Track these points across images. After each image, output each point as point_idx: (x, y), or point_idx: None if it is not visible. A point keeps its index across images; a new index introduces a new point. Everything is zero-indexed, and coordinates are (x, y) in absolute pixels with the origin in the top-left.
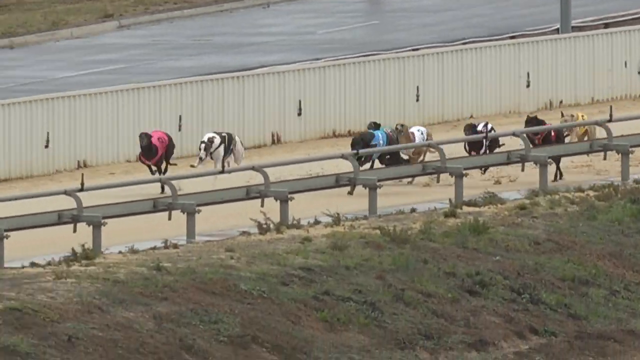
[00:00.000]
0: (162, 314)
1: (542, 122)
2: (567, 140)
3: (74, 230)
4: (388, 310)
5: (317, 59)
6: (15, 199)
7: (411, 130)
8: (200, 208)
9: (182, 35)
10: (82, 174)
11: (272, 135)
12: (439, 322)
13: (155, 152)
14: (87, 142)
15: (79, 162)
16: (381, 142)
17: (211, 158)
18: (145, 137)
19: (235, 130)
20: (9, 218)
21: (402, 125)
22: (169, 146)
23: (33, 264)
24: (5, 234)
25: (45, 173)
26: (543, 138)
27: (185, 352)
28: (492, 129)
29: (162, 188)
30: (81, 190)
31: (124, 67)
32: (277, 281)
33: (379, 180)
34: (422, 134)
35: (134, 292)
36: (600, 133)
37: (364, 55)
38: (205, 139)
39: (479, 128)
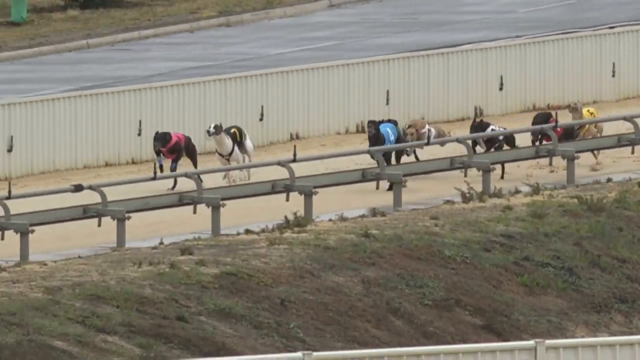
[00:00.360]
0: (370, 279)
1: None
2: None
3: (287, 199)
4: (585, 275)
5: (518, 37)
6: (234, 169)
7: (423, 130)
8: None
9: (389, 14)
10: (295, 146)
11: (475, 109)
12: (634, 286)
13: (168, 140)
14: (299, 115)
15: (291, 134)
16: (392, 138)
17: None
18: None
19: (440, 104)
20: (223, 188)
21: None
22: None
23: (248, 231)
24: (221, 202)
25: (260, 145)
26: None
27: (392, 314)
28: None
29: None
30: (293, 161)
31: (334, 44)
32: (479, 247)
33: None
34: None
35: (343, 257)
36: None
37: (562, 33)
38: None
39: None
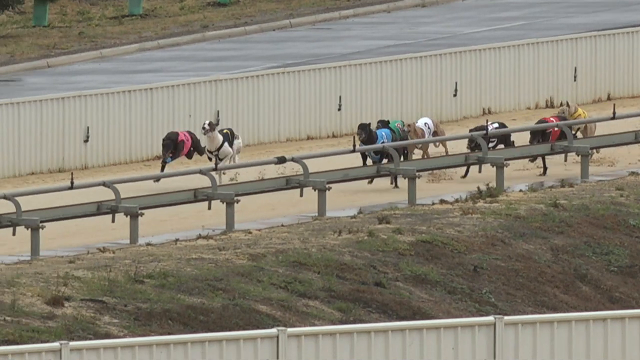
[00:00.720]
0: (558, 246)
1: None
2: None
3: (479, 170)
4: None
5: None
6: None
7: (417, 124)
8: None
9: None
10: (487, 120)
11: None
12: None
13: (181, 148)
14: (492, 90)
15: (483, 109)
16: (385, 140)
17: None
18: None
19: (625, 81)
20: (419, 160)
21: (408, 125)
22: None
23: (442, 201)
24: (418, 174)
25: (454, 119)
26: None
27: (579, 280)
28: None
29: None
30: (485, 135)
31: (524, 24)
32: None
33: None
34: (427, 126)
35: (533, 226)
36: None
37: None
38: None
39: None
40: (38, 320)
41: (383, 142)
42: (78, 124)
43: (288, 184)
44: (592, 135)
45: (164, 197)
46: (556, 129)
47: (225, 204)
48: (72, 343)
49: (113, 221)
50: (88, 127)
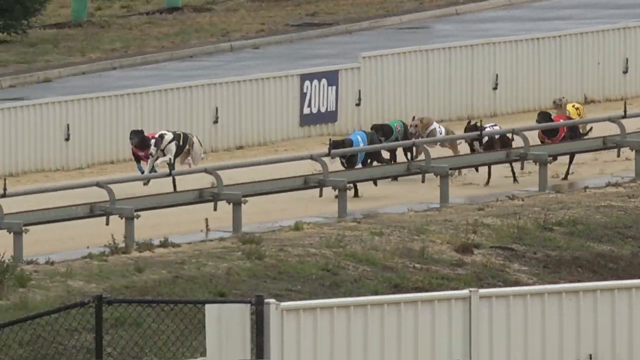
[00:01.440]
0: None
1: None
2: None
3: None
4: None
5: None
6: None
7: (433, 126)
8: None
9: None
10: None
11: None
12: None
13: (148, 145)
14: None
15: None
16: (361, 144)
17: (163, 154)
18: (136, 136)
19: None
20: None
21: (420, 120)
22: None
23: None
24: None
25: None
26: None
27: None
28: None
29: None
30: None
31: None
32: None
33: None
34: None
35: None
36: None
37: None
38: (157, 135)
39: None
40: (447, 267)
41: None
42: (486, 72)
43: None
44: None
45: None
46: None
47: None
48: (482, 290)
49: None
50: (497, 75)
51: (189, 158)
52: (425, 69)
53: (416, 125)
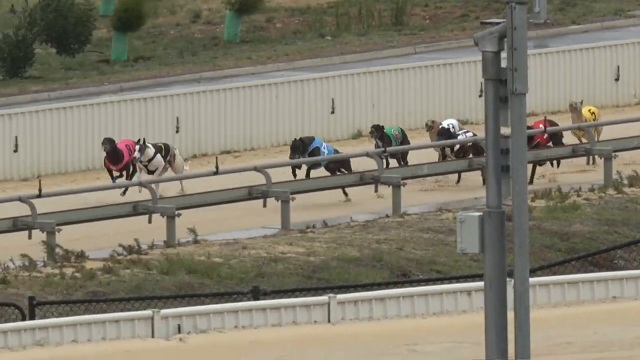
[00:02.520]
0: None
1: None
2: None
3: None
4: None
5: None
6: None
7: (442, 125)
8: None
9: None
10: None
11: None
12: None
13: (121, 159)
14: None
15: None
16: (325, 151)
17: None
18: (108, 143)
19: None
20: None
21: (432, 122)
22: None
23: None
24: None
25: None
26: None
27: None
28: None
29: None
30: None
31: None
32: None
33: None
34: (453, 127)
35: None
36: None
37: None
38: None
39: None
40: None
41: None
42: None
43: None
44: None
45: None
46: (545, 135)
47: None
48: None
49: None
50: None
51: (170, 168)
52: None
53: (433, 122)
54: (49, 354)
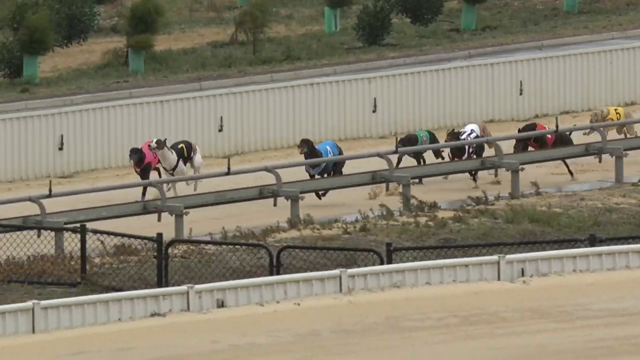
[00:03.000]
0: None
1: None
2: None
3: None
4: None
5: None
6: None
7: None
8: None
9: None
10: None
11: None
12: None
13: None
14: None
15: None
16: (330, 153)
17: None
18: (134, 153)
19: None
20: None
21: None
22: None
23: None
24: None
25: None
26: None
27: None
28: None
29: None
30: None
31: None
32: None
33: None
34: (473, 132)
35: None
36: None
37: None
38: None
39: (463, 136)
40: None
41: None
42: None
43: None
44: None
45: None
46: (549, 136)
47: None
48: None
49: None
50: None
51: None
52: None
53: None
54: (404, 295)
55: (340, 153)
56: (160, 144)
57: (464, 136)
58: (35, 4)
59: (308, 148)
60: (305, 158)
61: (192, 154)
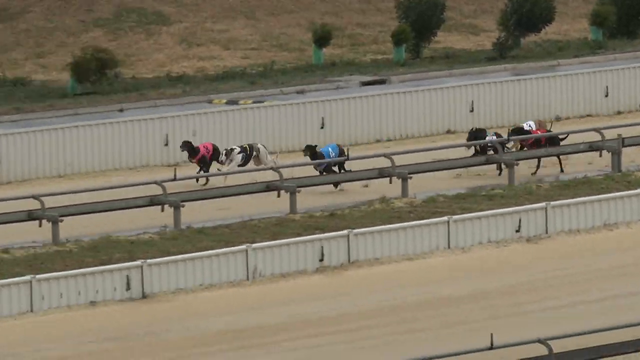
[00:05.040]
0: None
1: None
2: None
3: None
4: None
5: None
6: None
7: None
8: None
9: None
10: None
11: None
12: None
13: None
14: None
15: None
16: (332, 154)
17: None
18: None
19: None
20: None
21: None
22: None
23: None
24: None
25: None
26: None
27: None
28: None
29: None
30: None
31: None
32: None
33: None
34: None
35: None
36: None
37: None
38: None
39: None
40: None
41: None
42: None
43: None
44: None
45: None
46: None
47: None
48: None
49: None
50: None
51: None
52: None
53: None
54: None
55: (342, 153)
56: (228, 153)
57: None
58: None
59: (310, 152)
60: (311, 159)
61: (257, 153)
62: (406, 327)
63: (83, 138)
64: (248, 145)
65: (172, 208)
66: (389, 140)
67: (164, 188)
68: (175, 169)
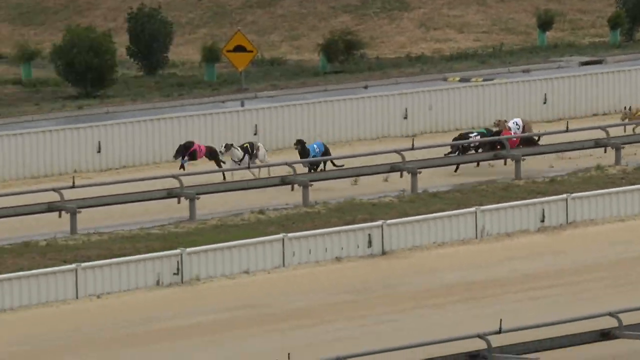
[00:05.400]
0: None
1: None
2: None
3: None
4: None
5: None
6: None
7: (508, 123)
8: None
9: None
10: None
11: None
12: None
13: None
14: None
15: None
16: (317, 151)
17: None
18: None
19: None
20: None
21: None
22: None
23: None
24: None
25: None
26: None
27: None
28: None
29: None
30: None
31: None
32: None
33: None
34: (517, 125)
35: None
36: None
37: None
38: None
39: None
40: None
41: (315, 154)
42: None
43: None
44: None
45: None
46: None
47: None
48: None
49: None
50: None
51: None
52: None
53: (499, 121)
54: None
55: (327, 151)
56: (228, 147)
57: (510, 124)
58: None
59: (301, 146)
60: (299, 153)
61: (255, 151)
62: (621, 281)
63: (332, 112)
64: (249, 143)
65: (410, 174)
66: (604, 114)
67: (403, 157)
68: (413, 140)
